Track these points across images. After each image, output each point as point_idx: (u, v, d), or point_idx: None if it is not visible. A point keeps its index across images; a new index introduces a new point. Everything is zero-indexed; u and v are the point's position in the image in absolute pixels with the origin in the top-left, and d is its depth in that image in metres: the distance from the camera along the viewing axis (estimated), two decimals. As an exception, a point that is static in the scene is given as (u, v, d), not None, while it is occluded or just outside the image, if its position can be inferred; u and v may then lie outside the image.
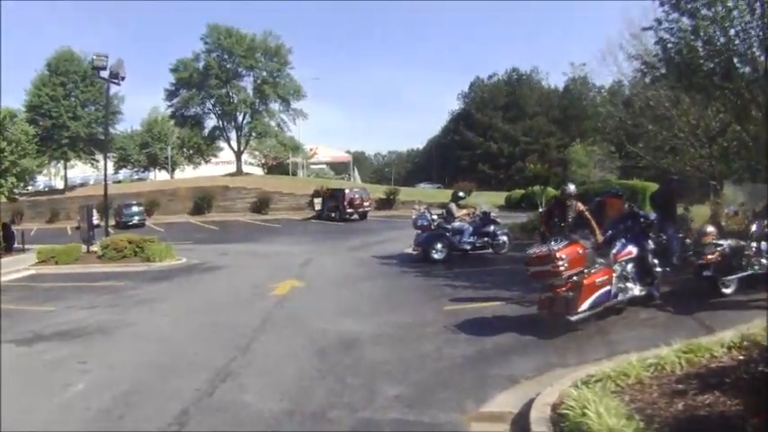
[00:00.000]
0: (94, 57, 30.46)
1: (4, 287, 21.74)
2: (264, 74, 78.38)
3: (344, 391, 8.58)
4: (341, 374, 9.34)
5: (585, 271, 11.16)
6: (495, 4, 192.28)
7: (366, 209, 48.80)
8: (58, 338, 13.07)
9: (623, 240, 12.53)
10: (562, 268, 10.70)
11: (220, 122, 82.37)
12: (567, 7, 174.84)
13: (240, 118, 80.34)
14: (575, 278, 10.97)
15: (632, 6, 49.62)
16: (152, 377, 9.77)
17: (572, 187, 14.14)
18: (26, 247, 33.53)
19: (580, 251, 11.12)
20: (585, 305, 10.97)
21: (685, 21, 17.76)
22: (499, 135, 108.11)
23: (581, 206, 13.75)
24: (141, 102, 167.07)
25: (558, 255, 10.74)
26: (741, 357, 7.64)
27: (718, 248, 13.21)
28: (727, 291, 13.16)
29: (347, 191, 49.46)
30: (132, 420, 7.85)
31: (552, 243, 11.42)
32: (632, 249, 12.52)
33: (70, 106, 73.35)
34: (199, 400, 8.42)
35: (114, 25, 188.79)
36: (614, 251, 12.12)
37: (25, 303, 18.10)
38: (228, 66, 77.37)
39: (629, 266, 12.21)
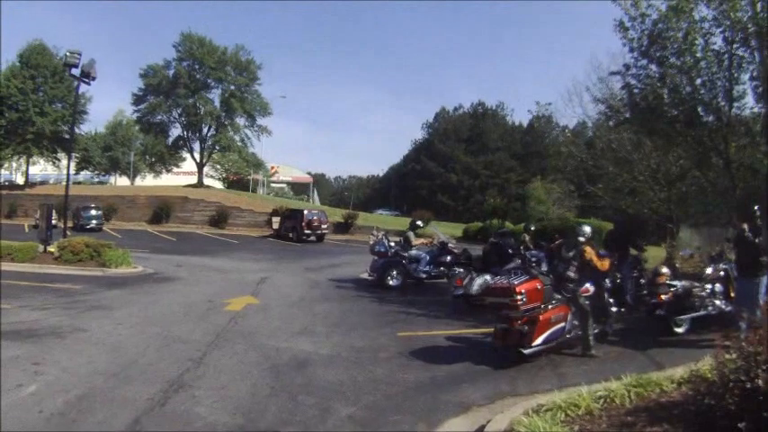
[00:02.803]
0: (67, 53, 30.05)
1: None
2: (233, 87, 78.27)
3: (297, 409, 8.70)
4: (294, 393, 9.44)
5: (542, 306, 11.39)
6: (467, 37, 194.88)
7: (324, 231, 48.77)
8: (10, 337, 12.89)
9: (584, 278, 12.80)
10: (520, 303, 10.94)
11: (185, 132, 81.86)
12: (538, 47, 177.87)
13: (205, 130, 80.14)
14: (531, 313, 11.19)
15: (600, 51, 51.10)
16: (105, 384, 9.74)
17: (588, 231, 13.34)
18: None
19: (539, 287, 11.36)
20: (540, 340, 11.24)
21: (653, 68, 18.31)
22: (460, 167, 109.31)
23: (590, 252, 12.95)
24: (107, 104, 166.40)
25: (517, 289, 10.97)
26: (689, 392, 7.82)
27: (672, 289, 13.67)
28: (680, 330, 13.62)
29: (306, 212, 49.44)
30: (85, 425, 7.88)
31: (513, 276, 11.65)
32: (589, 287, 12.83)
33: (38, 101, 71.81)
34: (151, 409, 8.48)
35: (88, 23, 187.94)
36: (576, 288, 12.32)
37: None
38: (198, 76, 77.21)
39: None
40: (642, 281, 15.94)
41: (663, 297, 13.61)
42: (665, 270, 14.33)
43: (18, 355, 11.42)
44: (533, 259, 17.61)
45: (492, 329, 12.44)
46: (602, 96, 24.50)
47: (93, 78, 30.69)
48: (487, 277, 16.81)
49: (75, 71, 30.20)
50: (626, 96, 19.81)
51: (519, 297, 10.95)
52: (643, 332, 13.69)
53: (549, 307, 11.58)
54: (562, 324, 11.75)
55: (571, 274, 12.18)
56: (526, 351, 11.10)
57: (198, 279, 23.91)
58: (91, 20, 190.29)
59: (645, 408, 7.70)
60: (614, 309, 13.73)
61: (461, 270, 18.56)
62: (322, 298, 19.53)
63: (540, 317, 11.31)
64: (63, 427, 7.85)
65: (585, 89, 27.59)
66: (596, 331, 12.53)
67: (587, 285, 12.89)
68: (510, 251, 18.98)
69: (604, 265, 12.98)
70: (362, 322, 15.73)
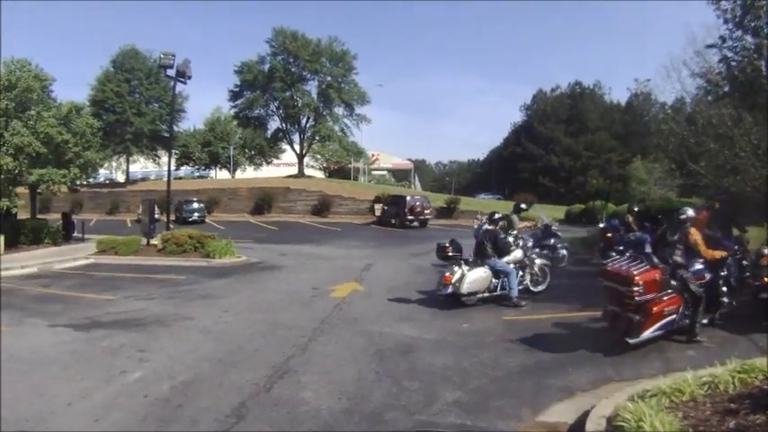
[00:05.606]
0: (161, 55, 30.89)
1: (61, 274, 22.20)
2: (329, 78, 78.43)
3: (402, 393, 8.54)
4: (399, 377, 9.30)
5: (657, 297, 10.86)
6: (560, 18, 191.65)
7: (426, 217, 48.14)
8: (115, 326, 13.27)
9: (700, 264, 12.20)
10: (636, 294, 10.46)
11: (284, 125, 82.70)
12: (632, 23, 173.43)
13: (303, 121, 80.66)
14: (645, 303, 10.68)
15: (696, 24, 48.94)
16: (211, 370, 9.86)
17: (690, 212, 12.55)
18: (85, 236, 33.92)
19: (658, 277, 10.81)
20: (648, 332, 10.70)
21: (749, 39, 17.40)
22: (561, 148, 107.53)
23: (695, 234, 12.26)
24: (205, 102, 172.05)
25: (636, 280, 10.47)
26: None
27: None
28: None
29: (408, 198, 48.90)
30: (190, 410, 7.94)
31: (633, 265, 11.12)
32: (707, 275, 12.19)
33: (134, 102, 74.42)
34: (257, 394, 8.52)
35: (180, 26, 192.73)
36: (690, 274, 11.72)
37: (84, 291, 18.44)
38: (293, 69, 77.70)
39: None
40: (745, 262, 15.12)
41: (767, 279, 12.88)
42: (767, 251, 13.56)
43: (123, 344, 11.67)
44: (632, 239, 16.86)
45: (598, 312, 12.10)
46: (700, 70, 23.46)
47: (189, 77, 31.41)
48: (482, 272, 15.81)
49: (171, 72, 30.86)
50: (723, 69, 18.90)
51: (636, 289, 10.46)
52: (747, 316, 12.89)
53: (664, 298, 10.99)
54: (673, 316, 11.13)
55: (678, 258, 11.54)
56: (632, 341, 10.58)
57: (302, 267, 24.04)
58: (181, 22, 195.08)
59: (749, 394, 7.33)
60: (726, 299, 12.97)
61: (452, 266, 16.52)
62: (427, 283, 19.15)
63: (654, 308, 10.73)
64: (168, 411, 7.91)
65: (683, 64, 26.45)
66: (705, 321, 11.92)
67: (705, 273, 12.27)
68: (505, 239, 17.52)
69: (709, 253, 12.24)
70: (467, 306, 15.36)
